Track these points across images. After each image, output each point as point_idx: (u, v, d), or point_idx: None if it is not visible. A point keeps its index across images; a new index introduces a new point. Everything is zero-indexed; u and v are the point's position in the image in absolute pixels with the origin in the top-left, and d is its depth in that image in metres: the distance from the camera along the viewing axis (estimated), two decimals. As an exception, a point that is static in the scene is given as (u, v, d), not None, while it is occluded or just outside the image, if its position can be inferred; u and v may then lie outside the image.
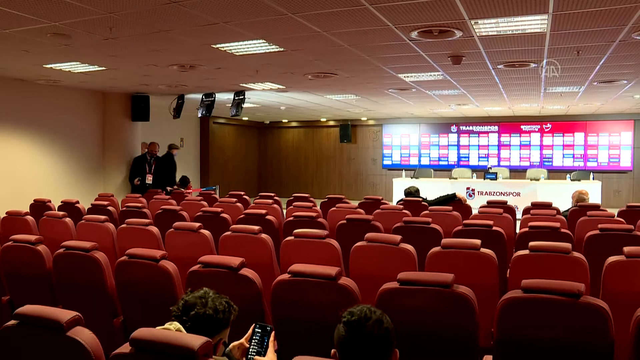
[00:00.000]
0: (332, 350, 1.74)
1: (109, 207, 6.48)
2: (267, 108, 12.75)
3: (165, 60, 6.70)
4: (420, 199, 6.86)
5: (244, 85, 8.85)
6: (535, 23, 4.84)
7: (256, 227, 4.17)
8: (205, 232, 4.29)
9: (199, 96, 9.94)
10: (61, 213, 5.51)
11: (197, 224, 4.35)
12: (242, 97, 9.54)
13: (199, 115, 10.24)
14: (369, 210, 6.07)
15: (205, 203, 7.00)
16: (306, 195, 7.81)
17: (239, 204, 6.89)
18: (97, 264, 3.36)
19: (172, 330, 1.96)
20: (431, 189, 10.00)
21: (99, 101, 10.10)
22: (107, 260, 3.42)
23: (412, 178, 13.03)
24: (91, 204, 6.81)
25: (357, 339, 1.67)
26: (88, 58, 6.65)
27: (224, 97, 9.96)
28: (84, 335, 1.93)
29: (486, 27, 4.98)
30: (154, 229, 4.61)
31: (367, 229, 4.51)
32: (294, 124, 17.29)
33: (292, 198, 7.67)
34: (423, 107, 12.62)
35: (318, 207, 6.96)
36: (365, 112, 14.14)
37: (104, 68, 7.28)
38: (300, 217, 5.27)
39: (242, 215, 5.55)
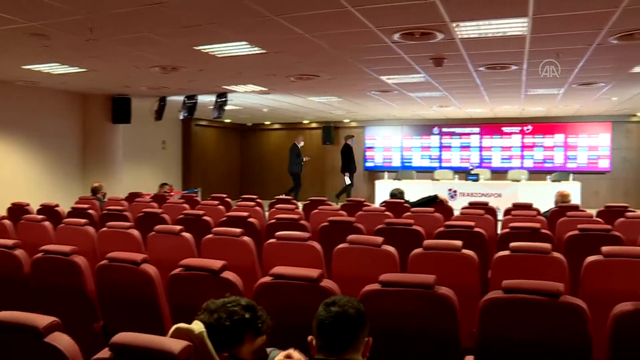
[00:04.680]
0: (309, 337, 1.88)
1: (90, 211, 6.40)
2: (249, 110, 12.72)
3: (147, 62, 6.65)
4: (403, 201, 6.90)
5: (226, 87, 8.81)
6: (515, 26, 4.90)
7: (238, 230, 4.15)
8: (187, 235, 4.26)
9: (181, 98, 9.88)
10: (40, 217, 5.43)
11: (179, 227, 4.32)
12: (225, 99, 9.50)
13: (181, 117, 10.19)
14: (351, 212, 6.06)
15: (187, 206, 6.94)
16: (289, 197, 7.79)
17: (221, 207, 6.83)
18: (77, 268, 3.31)
19: (196, 330, 1.89)
20: (413, 190, 10.03)
21: (80, 103, 9.98)
22: (87, 264, 3.37)
23: (394, 180, 13.07)
24: (71, 207, 6.73)
25: (331, 316, 1.85)
26: (68, 59, 6.57)
27: (206, 99, 9.90)
28: (62, 341, 1.90)
29: (467, 29, 5.03)
30: (135, 232, 4.57)
31: (349, 231, 4.50)
32: (276, 126, 17.24)
33: (274, 200, 7.64)
34: (405, 109, 12.69)
35: (300, 209, 6.97)
36: (348, 114, 14.17)
37: (84, 69, 7.20)
38: (283, 219, 5.26)
39: (224, 218, 5.51)
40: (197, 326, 1.92)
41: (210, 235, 4.23)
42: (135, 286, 3.09)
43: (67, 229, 4.95)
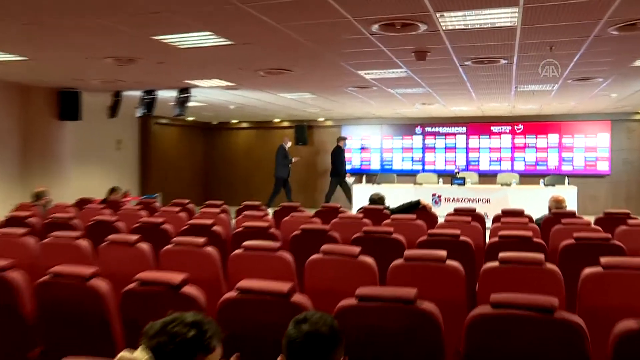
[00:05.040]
0: (279, 358, 1.87)
1: (30, 219, 6.26)
2: (214, 107, 12.64)
3: (99, 52, 6.54)
4: (382, 207, 6.92)
5: (189, 82, 8.73)
6: (505, 16, 4.95)
7: (201, 240, 4.13)
8: (144, 245, 4.22)
9: (139, 93, 9.76)
10: (-29, 227, 5.29)
11: (135, 237, 4.28)
12: (187, 95, 9.41)
13: (138, 114, 10.06)
14: (326, 219, 6.08)
15: (144, 213, 6.87)
16: (257, 203, 7.78)
17: (182, 214, 6.81)
18: (12, 285, 3.21)
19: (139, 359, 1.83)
20: (394, 195, 10.07)
21: (20, 97, 9.70)
22: (26, 281, 3.28)
23: (373, 184, 13.10)
24: (7, 216, 6.55)
25: (302, 335, 1.85)
26: (5, 45, 6.38)
27: (167, 95, 9.80)
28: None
29: (452, 20, 5.07)
30: (84, 243, 4.49)
31: (324, 240, 4.52)
32: (244, 124, 17.19)
33: (242, 207, 7.63)
34: (385, 107, 12.75)
35: (271, 217, 6.95)
36: (323, 112, 14.18)
37: (25, 58, 7.00)
38: (251, 227, 5.26)
39: (185, 226, 5.49)
40: (141, 354, 1.85)
41: (170, 246, 4.20)
42: (84, 304, 3.03)
43: (2, 241, 4.81)
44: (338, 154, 14.06)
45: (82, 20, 5.08)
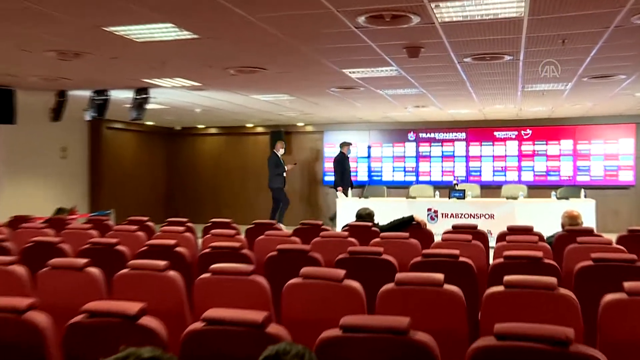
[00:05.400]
0: None
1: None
2: (178, 110, 12.60)
3: (37, 44, 6.43)
4: (371, 224, 6.94)
5: (148, 80, 8.70)
6: (509, 6, 4.98)
7: (162, 263, 4.11)
8: (94, 270, 4.18)
9: (88, 94, 9.70)
10: None
11: (83, 261, 4.23)
12: (146, 96, 9.37)
13: (88, 118, 9.97)
14: (306, 238, 6.07)
15: (94, 232, 6.81)
16: (228, 220, 7.75)
17: (140, 233, 6.77)
18: None
19: None
20: (384, 210, 10.08)
21: None
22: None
23: (360, 198, 13.13)
24: None
25: None
26: None
27: (122, 96, 9.77)
28: None
29: (449, 11, 5.11)
30: (19, 269, 4.42)
31: (304, 262, 4.50)
32: (212, 130, 17.17)
33: (209, 224, 7.61)
34: (373, 110, 12.81)
35: (242, 236, 6.93)
36: (302, 116, 14.21)
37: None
38: (220, 248, 5.26)
39: (144, 248, 5.46)
40: None
41: (125, 270, 4.17)
42: (19, 341, 2.97)
43: None
44: (342, 162, 14.14)
45: (11, 3, 4.97)
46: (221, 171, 17.13)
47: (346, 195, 13.33)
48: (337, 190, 13.77)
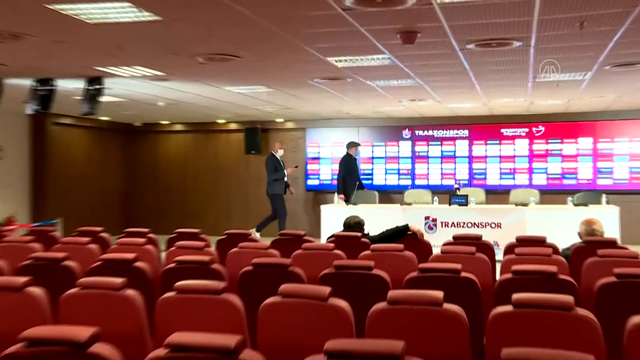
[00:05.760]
0: None
1: None
2: (138, 104, 12.56)
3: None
4: (360, 234, 6.96)
5: (102, 69, 8.66)
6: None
7: (119, 280, 4.09)
8: (36, 290, 4.13)
9: (29, 83, 9.62)
10: None
11: (23, 279, 4.17)
12: (99, 86, 9.34)
13: (29, 111, 9.88)
14: (286, 251, 6.10)
15: (37, 246, 6.78)
16: (196, 230, 7.74)
17: (93, 246, 6.76)
18: None
19: None
20: (375, 219, 10.11)
21: None
22: None
23: (348, 204, 13.14)
24: None
25: None
26: None
27: (71, 86, 9.72)
28: None
29: (449, -9, 5.14)
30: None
31: (283, 278, 4.50)
32: (178, 127, 17.15)
33: (174, 235, 7.61)
34: (363, 104, 12.84)
35: (213, 248, 6.95)
36: (281, 111, 14.22)
37: None
38: (186, 262, 5.24)
39: (97, 263, 5.44)
40: None
41: (74, 290, 4.15)
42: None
43: None
44: (348, 164, 14.19)
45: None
46: (188, 174, 17.08)
47: (347, 203, 13.34)
48: (339, 197, 13.84)
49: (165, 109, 13.42)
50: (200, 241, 6.84)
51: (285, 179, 14.35)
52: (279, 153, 14.41)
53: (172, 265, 5.30)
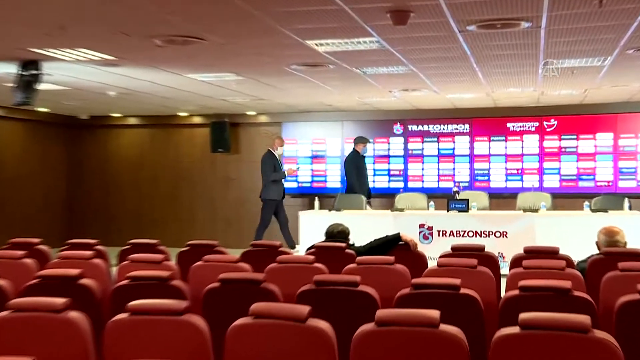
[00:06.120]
0: None
1: None
2: (84, 93, 12.50)
3: None
4: (344, 245, 6.97)
5: (39, 51, 8.58)
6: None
7: (60, 301, 4.07)
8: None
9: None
10: None
11: None
12: (36, 72, 9.25)
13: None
14: (259, 264, 6.12)
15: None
16: (153, 241, 7.72)
17: (28, 260, 6.69)
18: None
19: None
20: (362, 227, 10.13)
21: None
22: None
23: (330, 210, 13.14)
24: None
25: None
26: None
27: (0, 71, 9.65)
28: None
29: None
30: None
31: (255, 295, 4.48)
32: (132, 120, 17.12)
33: (127, 247, 7.60)
34: (348, 95, 12.87)
35: (173, 262, 6.95)
36: (253, 103, 14.23)
37: None
38: (142, 278, 5.24)
39: (34, 281, 5.43)
40: None
41: (5, 313, 4.13)
42: None
43: None
44: (356, 163, 14.23)
45: None
46: (145, 175, 17.03)
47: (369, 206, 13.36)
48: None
49: (117, 99, 13.38)
50: (158, 254, 6.82)
51: (283, 179, 14.36)
52: (279, 151, 14.39)
53: (125, 282, 5.29)
